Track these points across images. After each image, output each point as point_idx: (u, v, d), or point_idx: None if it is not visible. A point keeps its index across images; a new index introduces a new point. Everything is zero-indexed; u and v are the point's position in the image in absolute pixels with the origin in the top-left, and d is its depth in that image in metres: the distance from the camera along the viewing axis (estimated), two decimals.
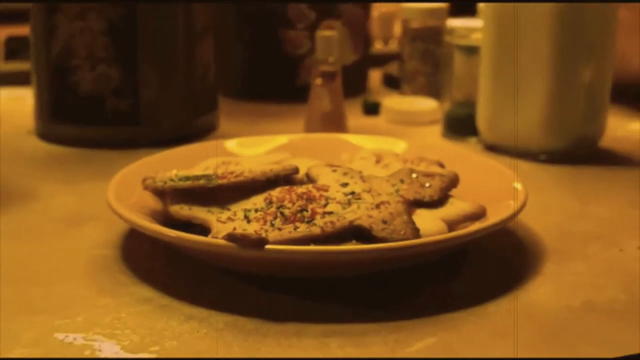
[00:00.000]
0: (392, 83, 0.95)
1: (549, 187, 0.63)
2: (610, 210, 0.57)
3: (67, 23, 0.70)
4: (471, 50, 0.73)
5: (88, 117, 0.71)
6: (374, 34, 1.14)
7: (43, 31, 0.71)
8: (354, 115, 0.82)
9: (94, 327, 0.40)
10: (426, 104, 0.82)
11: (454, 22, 0.76)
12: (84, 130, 0.71)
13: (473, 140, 0.73)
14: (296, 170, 0.50)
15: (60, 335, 0.39)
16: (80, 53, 0.70)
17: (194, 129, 0.74)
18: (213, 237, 0.43)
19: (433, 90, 0.85)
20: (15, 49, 1.09)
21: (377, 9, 1.18)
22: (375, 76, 0.99)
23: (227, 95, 0.86)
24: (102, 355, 0.38)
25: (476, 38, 0.73)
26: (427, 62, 0.87)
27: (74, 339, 0.39)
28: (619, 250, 0.50)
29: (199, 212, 0.46)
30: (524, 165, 0.66)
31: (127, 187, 0.50)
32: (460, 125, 0.74)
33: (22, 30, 1.17)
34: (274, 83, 0.90)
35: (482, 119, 0.71)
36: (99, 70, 0.70)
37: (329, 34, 0.74)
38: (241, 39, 0.89)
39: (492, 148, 0.70)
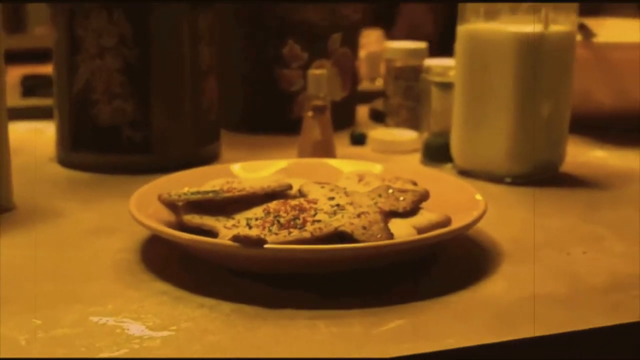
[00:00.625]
0: (378, 117, 1.04)
1: (511, 205, 0.71)
2: (562, 223, 0.66)
3: (87, 62, 0.78)
4: (446, 87, 0.82)
5: (106, 146, 0.79)
6: (362, 73, 1.23)
7: (66, 69, 0.80)
8: (343, 145, 0.91)
9: (122, 312, 0.48)
10: (407, 135, 0.91)
11: (431, 62, 0.85)
12: (101, 157, 0.80)
13: (448, 166, 0.82)
14: (290, 187, 0.59)
15: (95, 319, 0.47)
16: (99, 89, 0.78)
17: (199, 157, 0.82)
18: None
19: (414, 122, 0.93)
20: (31, 86, 1.18)
21: (365, 49, 1.27)
22: (362, 111, 1.08)
23: (228, 127, 0.95)
24: (131, 333, 0.46)
25: (451, 75, 0.81)
26: (409, 97, 0.96)
27: (107, 321, 0.47)
28: (566, 254, 0.59)
29: (208, 221, 0.55)
30: (492, 187, 0.75)
31: (145, 202, 0.58)
32: (437, 153, 0.83)
33: (36, 69, 1.27)
34: (270, 117, 0.98)
35: (455, 147, 0.80)
36: (115, 104, 0.78)
37: (319, 72, 0.82)
38: (241, 77, 0.98)
39: (465, 173, 0.79)
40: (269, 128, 0.97)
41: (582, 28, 0.94)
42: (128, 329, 0.46)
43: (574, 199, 0.73)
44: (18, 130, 0.94)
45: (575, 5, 0.78)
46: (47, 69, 1.24)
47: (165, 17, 0.78)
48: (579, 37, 0.93)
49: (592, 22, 1.04)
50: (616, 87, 0.95)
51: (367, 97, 1.11)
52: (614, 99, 0.96)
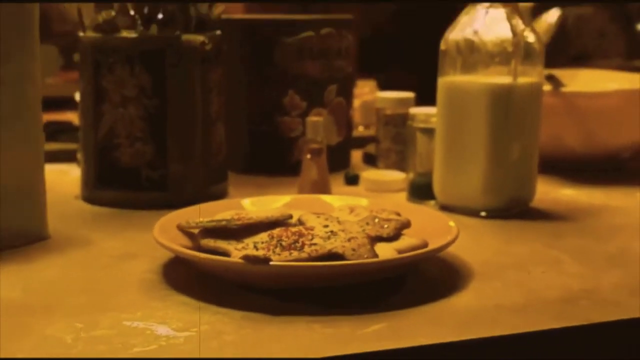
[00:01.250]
0: (370, 160, 1.14)
1: (484, 235, 0.80)
2: (528, 249, 0.75)
3: (111, 111, 0.88)
4: (429, 132, 0.91)
5: (126, 184, 0.89)
6: (357, 120, 1.33)
7: (92, 117, 0.90)
8: (338, 185, 1.00)
9: (150, 318, 0.57)
10: (396, 175, 1.01)
11: (416, 110, 0.95)
12: (123, 194, 0.89)
13: (431, 202, 0.91)
14: (290, 217, 0.68)
15: (127, 322, 0.57)
16: (122, 134, 0.88)
17: (209, 195, 0.91)
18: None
19: (402, 164, 1.03)
20: (52, 132, 1.27)
21: (360, 99, 1.38)
22: (356, 155, 1.17)
23: (235, 169, 1.04)
24: (158, 333, 0.55)
25: (433, 122, 0.91)
26: (397, 142, 1.06)
27: (137, 324, 0.56)
28: (527, 273, 0.68)
29: (221, 244, 0.64)
30: (468, 220, 0.84)
31: (165, 230, 0.67)
32: (421, 191, 0.92)
33: (53, 116, 1.36)
34: (273, 160, 1.08)
35: (437, 186, 0.89)
36: (136, 148, 0.88)
37: (317, 119, 0.92)
38: (247, 124, 1.08)
39: (446, 208, 0.88)
40: (272, 170, 1.07)
41: (552, 79, 1.04)
42: (156, 330, 0.55)
43: (541, 230, 0.82)
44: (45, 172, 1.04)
45: (541, 58, 0.88)
46: (65, 116, 1.35)
47: (180, 71, 0.88)
48: (549, 87, 1.04)
49: (563, 73, 1.14)
50: (584, 133, 1.05)
51: (361, 142, 1.21)
52: (583, 143, 1.05)
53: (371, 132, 1.30)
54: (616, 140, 1.06)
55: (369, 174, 1.02)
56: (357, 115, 1.34)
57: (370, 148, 1.17)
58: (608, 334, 0.59)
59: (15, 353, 0.52)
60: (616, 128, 1.05)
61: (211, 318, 0.57)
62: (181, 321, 0.57)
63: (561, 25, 4.07)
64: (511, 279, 0.67)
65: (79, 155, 0.96)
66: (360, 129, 1.35)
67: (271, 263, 0.58)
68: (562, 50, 4.42)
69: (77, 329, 0.55)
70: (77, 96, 0.98)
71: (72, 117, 1.29)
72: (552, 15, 4.12)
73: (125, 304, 0.60)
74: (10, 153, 0.74)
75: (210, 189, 0.92)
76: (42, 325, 0.56)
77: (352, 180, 1.03)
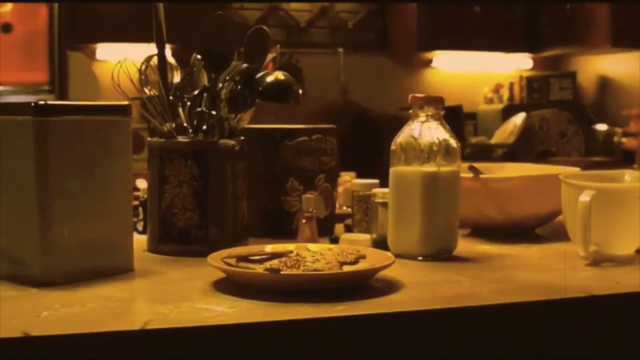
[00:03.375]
0: (348, 229, 1.54)
1: (418, 269, 1.20)
2: (443, 276, 1.15)
3: (171, 190, 1.29)
4: (385, 205, 1.32)
5: (181, 240, 1.29)
6: (340, 202, 1.73)
7: (157, 194, 1.30)
8: (324, 244, 1.40)
9: (210, 304, 0.97)
10: (364, 237, 1.40)
11: (377, 190, 1.36)
12: (178, 247, 1.29)
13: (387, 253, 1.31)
14: (291, 251, 1.08)
15: (198, 305, 0.96)
16: (178, 206, 1.29)
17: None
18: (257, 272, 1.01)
19: (370, 229, 1.43)
20: None
21: (343, 186, 1.79)
22: (339, 226, 1.57)
23: (252, 234, 1.43)
24: (216, 309, 0.94)
25: (387, 198, 1.32)
26: (366, 214, 1.47)
27: (204, 306, 0.96)
28: (438, 286, 1.08)
29: (250, 265, 1.04)
30: (410, 262, 1.24)
31: (214, 260, 1.07)
32: (380, 245, 1.31)
33: None
34: (279, 227, 1.47)
35: (390, 241, 1.29)
36: (187, 215, 1.28)
37: (309, 196, 1.33)
38: (262, 202, 1.48)
39: (396, 255, 1.28)
40: (278, 234, 1.46)
41: (473, 169, 1.45)
42: (215, 309, 0.95)
43: (455, 267, 1.22)
44: None
45: (458, 154, 1.29)
46: None
47: (217, 164, 1.29)
48: (470, 175, 1.45)
49: (494, 166, 1.56)
50: (498, 207, 1.45)
51: (342, 217, 1.61)
52: (498, 214, 1.45)
53: (349, 210, 1.71)
54: (522, 212, 1.47)
55: (346, 236, 1.42)
56: (341, 198, 1.75)
57: (349, 221, 1.57)
58: (475, 317, 0.98)
59: (137, 322, 0.91)
60: (521, 203, 1.45)
61: (245, 304, 0.97)
62: (229, 305, 0.96)
63: (527, 127, 4.54)
64: (428, 289, 1.06)
65: (139, 225, 1.36)
66: (344, 209, 1.76)
67: (281, 273, 0.98)
68: (530, 148, 4.88)
69: (168, 309, 0.95)
70: (138, 183, 1.39)
71: None
72: (519, 118, 4.59)
73: (194, 298, 1.00)
74: (117, 217, 1.15)
75: (237, 245, 1.32)
76: (149, 307, 0.96)
77: (334, 240, 1.43)
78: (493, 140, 4.37)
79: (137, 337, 0.87)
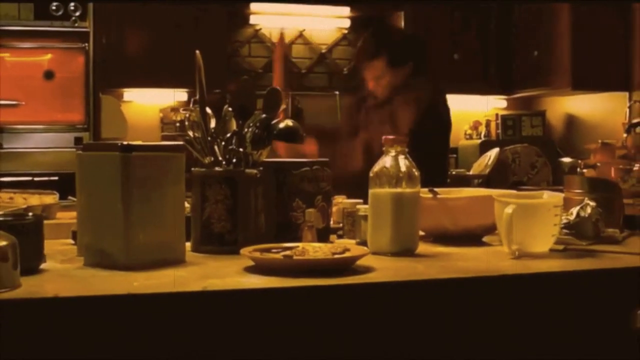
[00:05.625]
0: (340, 236, 1.97)
1: (388, 262, 1.62)
2: (405, 264, 1.58)
3: (210, 206, 1.72)
4: (365, 217, 1.75)
5: (216, 243, 1.72)
6: (334, 219, 2.16)
7: (199, 210, 1.73)
8: None
9: (243, 279, 1.40)
10: (351, 242, 1.83)
11: (360, 206, 1.79)
12: (215, 248, 1.72)
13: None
14: (298, 246, 1.52)
15: (237, 279, 1.39)
16: (214, 217, 1.72)
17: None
18: (277, 259, 1.44)
19: (355, 236, 1.86)
20: None
21: (337, 207, 2.22)
22: (333, 237, 2.00)
23: (267, 239, 1.86)
24: (249, 282, 1.37)
25: (367, 211, 1.75)
26: (353, 225, 1.89)
27: (240, 280, 1.39)
28: (399, 271, 1.51)
29: (271, 254, 1.47)
30: (382, 257, 1.66)
31: (246, 253, 1.50)
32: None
33: None
34: (288, 234, 1.90)
35: (369, 242, 1.72)
36: (222, 224, 1.71)
37: (311, 210, 1.76)
38: (274, 216, 1.90)
39: (373, 252, 1.70)
40: (286, 240, 1.89)
41: (432, 191, 1.89)
42: (247, 282, 1.38)
43: (415, 259, 1.65)
44: None
45: (418, 179, 1.72)
46: None
47: (244, 188, 1.73)
48: (430, 195, 1.88)
49: (452, 190, 2.00)
50: (453, 219, 1.88)
51: (335, 229, 2.04)
52: (452, 225, 1.89)
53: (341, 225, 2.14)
54: (470, 223, 1.89)
55: (338, 241, 1.86)
56: (335, 216, 2.18)
57: (340, 232, 2.00)
58: (423, 287, 1.41)
59: (198, 287, 1.34)
60: (469, 216, 1.88)
61: (267, 280, 1.40)
62: (257, 279, 1.39)
63: (501, 160, 4.98)
64: (392, 271, 1.49)
65: None
66: (337, 224, 2.19)
67: (293, 258, 1.42)
68: (504, 179, 5.34)
69: (217, 281, 1.38)
70: None
71: None
72: (493, 152, 5.03)
73: (232, 276, 1.43)
74: (174, 225, 1.58)
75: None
76: (203, 280, 1.38)
77: None
78: (471, 172, 4.81)
79: (199, 295, 1.30)
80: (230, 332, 1.30)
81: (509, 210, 1.65)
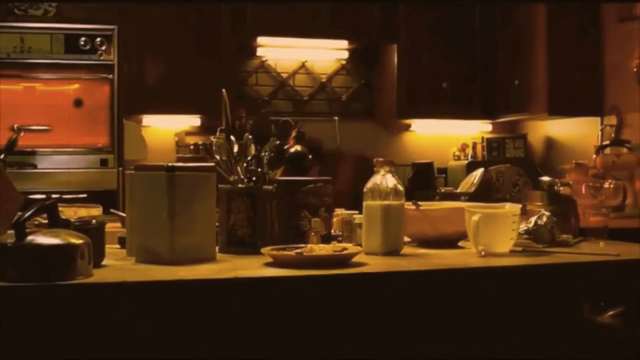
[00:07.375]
0: (340, 242, 2.32)
1: (379, 260, 1.98)
2: (394, 262, 1.93)
3: (234, 215, 2.08)
4: (360, 225, 2.11)
5: (239, 245, 2.07)
6: (335, 228, 2.52)
7: (225, 218, 2.09)
8: None
9: (264, 272, 1.75)
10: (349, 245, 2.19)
11: (355, 216, 2.15)
12: (238, 249, 2.06)
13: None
14: (306, 246, 1.87)
15: (260, 271, 1.75)
16: (238, 224, 2.07)
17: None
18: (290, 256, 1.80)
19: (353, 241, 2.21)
20: None
21: (338, 218, 2.57)
22: (333, 242, 2.35)
23: (280, 243, 2.21)
24: (269, 273, 1.73)
25: (361, 220, 2.10)
26: (350, 232, 2.25)
27: (262, 272, 1.74)
28: (389, 268, 1.86)
29: (286, 252, 1.83)
30: (374, 256, 2.01)
31: (266, 251, 1.86)
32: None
33: None
34: (297, 239, 2.25)
35: (363, 244, 2.08)
36: (244, 230, 2.07)
37: (316, 219, 2.12)
38: (285, 224, 2.26)
39: (366, 252, 2.06)
40: (297, 243, 2.24)
41: (415, 203, 2.24)
42: (267, 273, 1.73)
43: (400, 258, 2.00)
44: None
45: (402, 194, 2.08)
46: None
47: (262, 200, 2.08)
48: (413, 206, 2.23)
49: (436, 203, 2.36)
50: (432, 227, 2.23)
51: (336, 237, 2.39)
52: (433, 231, 2.24)
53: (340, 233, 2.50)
54: (448, 230, 2.25)
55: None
56: (335, 226, 2.53)
57: (340, 239, 2.36)
58: (406, 277, 1.76)
59: (230, 275, 1.70)
60: (447, 224, 2.24)
61: (282, 271, 1.75)
62: (275, 271, 1.75)
63: (485, 179, 5.36)
64: (382, 265, 1.85)
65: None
66: (337, 232, 2.54)
67: (303, 255, 1.77)
68: (488, 197, 5.73)
69: (244, 272, 1.73)
70: None
71: None
72: (479, 172, 5.40)
73: (255, 268, 1.78)
74: (207, 231, 1.94)
75: None
76: (233, 271, 1.73)
77: None
78: (458, 190, 5.16)
79: (232, 282, 1.65)
80: (255, 309, 1.65)
81: (475, 218, 2.01)
